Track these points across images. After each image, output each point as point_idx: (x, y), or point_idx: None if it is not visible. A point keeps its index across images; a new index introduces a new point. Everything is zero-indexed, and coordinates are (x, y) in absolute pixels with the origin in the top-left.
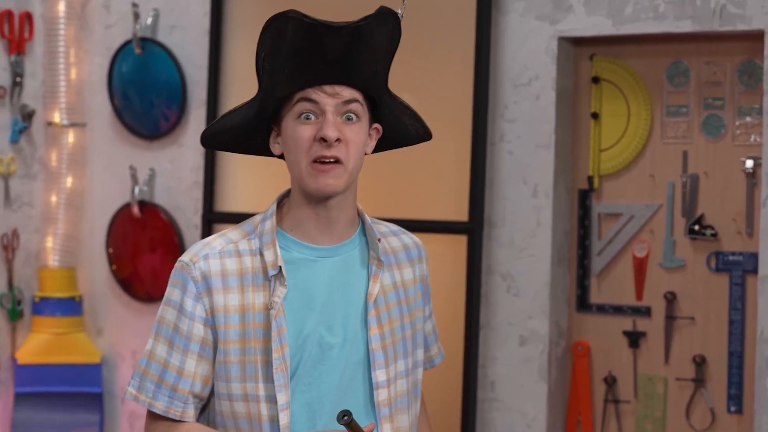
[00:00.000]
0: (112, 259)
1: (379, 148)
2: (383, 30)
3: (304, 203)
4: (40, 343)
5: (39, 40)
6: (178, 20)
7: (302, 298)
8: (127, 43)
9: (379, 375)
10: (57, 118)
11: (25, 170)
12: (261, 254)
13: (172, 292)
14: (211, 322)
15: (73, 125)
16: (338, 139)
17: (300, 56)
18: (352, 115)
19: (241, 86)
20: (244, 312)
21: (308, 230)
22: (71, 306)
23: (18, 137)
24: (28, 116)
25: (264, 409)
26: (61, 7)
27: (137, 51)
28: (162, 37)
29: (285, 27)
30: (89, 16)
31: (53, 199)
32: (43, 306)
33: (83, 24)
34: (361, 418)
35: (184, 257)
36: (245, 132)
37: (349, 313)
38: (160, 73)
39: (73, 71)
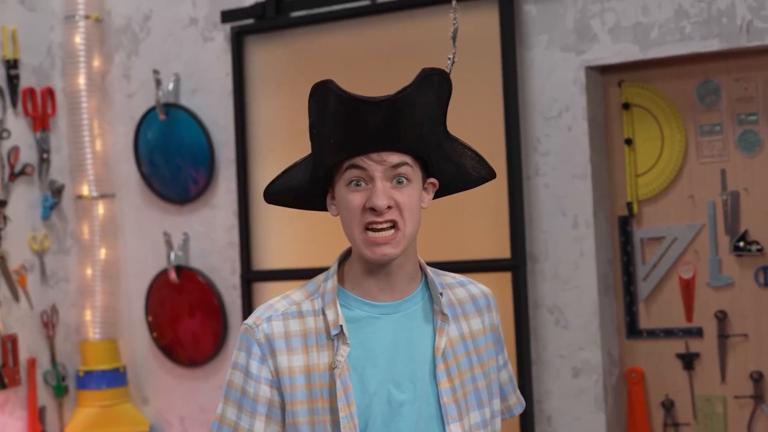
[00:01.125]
0: (152, 327)
1: (441, 193)
2: (428, 92)
3: (362, 264)
4: (88, 417)
5: (62, 114)
6: (200, 83)
7: (367, 356)
8: (151, 110)
9: (454, 429)
10: (86, 190)
11: (59, 245)
12: (324, 314)
13: (238, 356)
14: (277, 383)
15: (102, 196)
16: (389, 207)
17: (343, 128)
18: (403, 179)
19: (268, 143)
20: (309, 373)
21: (369, 289)
22: (115, 377)
23: (49, 213)
24: (57, 191)
25: None
26: (82, 80)
27: (161, 117)
28: (185, 101)
29: (327, 97)
30: (110, 86)
31: (88, 272)
32: (87, 380)
33: (105, 95)
34: None
35: (249, 320)
36: (303, 193)
37: (416, 369)
38: (186, 136)
39: (98, 143)
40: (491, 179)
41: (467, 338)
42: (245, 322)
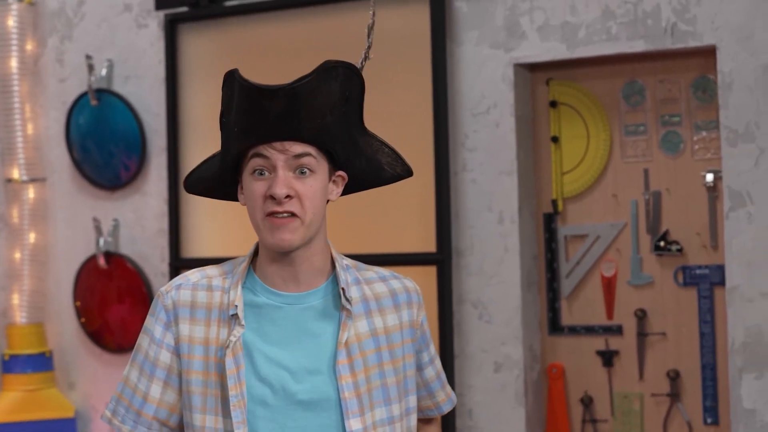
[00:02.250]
0: (80, 312)
1: (353, 188)
2: (331, 83)
3: (268, 253)
4: (13, 401)
5: None
6: (133, 70)
7: (263, 342)
8: (83, 95)
9: (353, 424)
10: (16, 174)
11: None
12: (229, 293)
13: (148, 321)
14: (178, 351)
15: (33, 180)
16: (288, 196)
17: (246, 116)
18: (306, 170)
19: (200, 131)
20: (207, 345)
21: (274, 279)
22: (42, 362)
23: None
24: None
25: None
26: (14, 64)
27: (93, 102)
28: (117, 87)
29: (233, 86)
30: (42, 70)
31: (17, 255)
32: (13, 364)
33: (37, 79)
34: None
35: (163, 287)
36: (218, 183)
37: (315, 361)
38: (118, 123)
39: (29, 126)
40: (407, 177)
41: (379, 333)
42: (160, 288)
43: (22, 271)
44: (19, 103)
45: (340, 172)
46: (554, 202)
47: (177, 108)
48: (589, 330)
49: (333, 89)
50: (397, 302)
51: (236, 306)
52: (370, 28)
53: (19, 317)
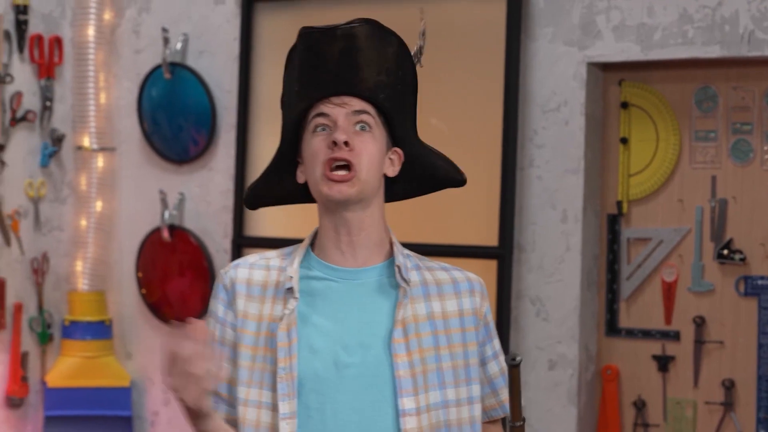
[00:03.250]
0: (141, 283)
1: (410, 191)
2: (385, 45)
3: (326, 226)
4: (70, 367)
5: (69, 64)
6: (208, 45)
7: (317, 316)
8: (157, 67)
9: (406, 402)
10: (86, 142)
11: (55, 194)
12: (285, 270)
13: (210, 303)
14: (236, 326)
15: (102, 149)
16: (347, 143)
17: (304, 69)
18: (365, 125)
19: (270, 111)
20: (260, 321)
21: (332, 253)
22: (101, 329)
23: (48, 161)
24: (57, 140)
25: (265, 416)
26: (91, 32)
27: (167, 76)
28: (191, 61)
29: (294, 48)
30: (119, 40)
31: (83, 223)
32: (72, 329)
33: (113, 48)
34: None
35: (222, 269)
36: (276, 176)
37: (368, 337)
38: (190, 97)
39: (102, 96)
40: (461, 184)
41: (437, 318)
42: (219, 271)
43: (87, 239)
44: (94, 71)
45: (397, 149)
46: (619, 204)
47: (249, 86)
48: (647, 334)
49: (388, 52)
50: (458, 289)
51: (291, 278)
52: (422, 34)
53: (81, 284)
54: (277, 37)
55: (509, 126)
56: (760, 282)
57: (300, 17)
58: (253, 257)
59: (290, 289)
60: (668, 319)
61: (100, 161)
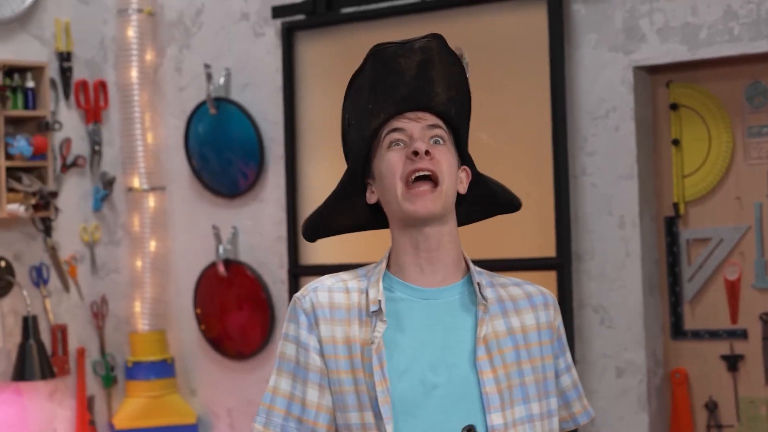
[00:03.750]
0: (200, 319)
1: (473, 213)
2: (454, 61)
3: (405, 244)
4: (136, 408)
5: (114, 107)
6: (251, 78)
7: (402, 336)
8: (202, 104)
9: (495, 418)
10: (137, 183)
11: (109, 237)
12: (367, 293)
13: (288, 327)
14: (323, 352)
15: (153, 189)
16: (428, 152)
17: (379, 85)
18: (439, 139)
19: (317, 139)
20: (350, 344)
21: (411, 272)
22: (164, 368)
23: (100, 205)
24: (108, 183)
25: None
26: (134, 73)
27: (212, 111)
28: (235, 95)
29: (362, 70)
30: (162, 79)
31: (138, 263)
32: (136, 370)
33: (156, 88)
34: None
35: (297, 293)
36: (343, 201)
37: (453, 356)
38: (236, 131)
39: (149, 135)
40: (518, 208)
41: (516, 332)
42: (295, 294)
43: (144, 279)
44: (140, 112)
45: (465, 167)
46: (675, 206)
47: (294, 116)
48: (713, 334)
49: (456, 69)
50: (533, 303)
51: (379, 301)
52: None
53: (142, 325)
54: (319, 64)
55: (559, 135)
56: None
57: (340, 42)
58: (329, 280)
59: (377, 312)
60: (734, 318)
61: (151, 201)
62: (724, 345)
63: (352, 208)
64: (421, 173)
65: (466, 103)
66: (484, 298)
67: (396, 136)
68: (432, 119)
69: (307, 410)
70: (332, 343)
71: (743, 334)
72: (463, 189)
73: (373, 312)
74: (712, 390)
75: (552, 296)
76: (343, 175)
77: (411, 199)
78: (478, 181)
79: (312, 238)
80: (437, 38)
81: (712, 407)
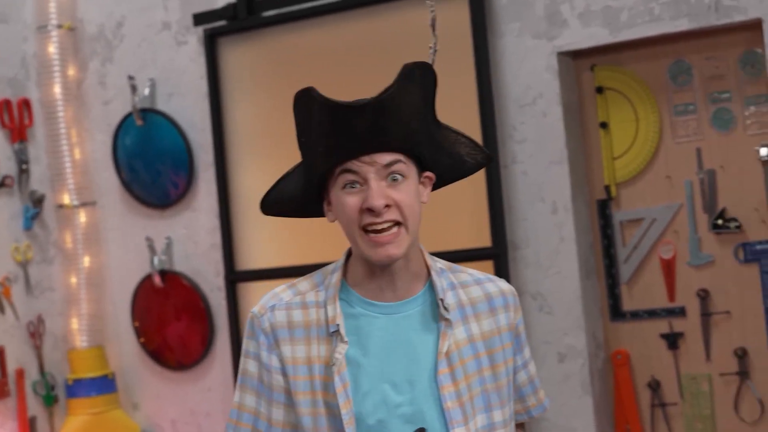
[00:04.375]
0: (139, 332)
1: (438, 185)
2: (412, 88)
3: (364, 265)
4: (79, 425)
5: (39, 124)
6: (176, 87)
7: (362, 355)
8: (128, 116)
9: None
10: (67, 199)
11: (42, 255)
12: (325, 307)
13: (248, 344)
14: (285, 372)
15: (83, 204)
16: (387, 206)
17: (330, 135)
18: (398, 176)
19: (247, 144)
20: (311, 364)
21: (370, 288)
22: (105, 384)
23: (31, 224)
24: (38, 201)
25: None
26: (57, 90)
27: (139, 123)
28: (161, 105)
29: (310, 105)
30: (86, 94)
31: (73, 280)
32: (77, 388)
33: (81, 103)
34: None
35: (255, 309)
36: (300, 201)
37: (415, 371)
38: (164, 141)
39: (76, 151)
40: (488, 164)
41: (476, 340)
42: (252, 310)
43: (80, 296)
44: (65, 128)
45: (428, 173)
46: (607, 188)
47: (222, 122)
48: (652, 314)
49: (414, 93)
50: (492, 306)
51: (337, 324)
52: (433, 22)
53: (80, 341)
54: (244, 69)
55: (488, 125)
56: (758, 247)
57: (263, 46)
58: (286, 294)
59: (335, 332)
60: (672, 296)
61: (82, 216)
62: (663, 324)
63: (307, 205)
64: (381, 227)
65: (429, 108)
66: (446, 310)
67: (350, 177)
68: (388, 157)
69: (273, 428)
70: (293, 364)
71: (681, 312)
72: (426, 198)
73: (332, 332)
74: (653, 369)
75: (513, 295)
76: (298, 175)
77: (374, 248)
78: (448, 157)
79: (268, 214)
80: (398, 82)
81: (655, 386)
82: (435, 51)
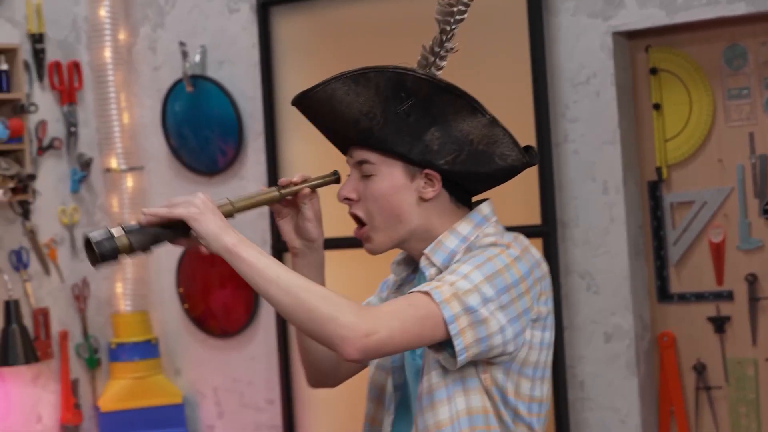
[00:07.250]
0: (183, 299)
1: (478, 184)
2: (358, 91)
3: None
4: (121, 389)
5: (89, 88)
6: (227, 54)
7: None
8: (178, 82)
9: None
10: (114, 163)
11: (88, 218)
12: None
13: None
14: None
15: (131, 169)
16: (347, 198)
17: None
18: (367, 174)
19: (296, 114)
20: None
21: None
22: (148, 349)
23: (78, 187)
24: (85, 165)
25: None
26: (108, 53)
27: (189, 89)
28: (212, 72)
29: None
30: (136, 59)
31: None
32: (119, 352)
33: (131, 68)
34: None
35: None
36: None
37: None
38: (214, 108)
39: (125, 116)
40: (522, 168)
41: None
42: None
43: (125, 260)
44: (115, 93)
45: (428, 171)
46: (659, 170)
47: (272, 91)
48: (699, 297)
49: (364, 95)
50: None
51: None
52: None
53: (124, 306)
54: (295, 39)
55: (540, 103)
56: None
57: (316, 17)
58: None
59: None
60: (720, 280)
61: (129, 181)
62: (710, 307)
63: None
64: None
65: (399, 114)
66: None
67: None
68: (358, 155)
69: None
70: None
71: (729, 296)
72: (431, 193)
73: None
74: (699, 352)
75: (492, 245)
76: None
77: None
78: (467, 155)
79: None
80: (334, 79)
81: (700, 369)
82: (443, 47)
